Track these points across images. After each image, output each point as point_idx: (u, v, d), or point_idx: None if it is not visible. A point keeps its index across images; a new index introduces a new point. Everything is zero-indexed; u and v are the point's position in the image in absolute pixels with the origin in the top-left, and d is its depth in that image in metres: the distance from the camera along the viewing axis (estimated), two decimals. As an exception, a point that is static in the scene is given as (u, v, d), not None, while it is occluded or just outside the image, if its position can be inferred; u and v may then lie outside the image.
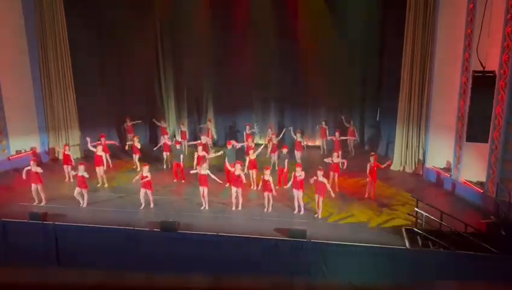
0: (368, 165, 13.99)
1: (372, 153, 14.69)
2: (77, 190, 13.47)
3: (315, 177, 12.53)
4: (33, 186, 13.49)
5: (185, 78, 20.61)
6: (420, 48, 15.71)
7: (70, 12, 17.88)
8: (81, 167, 13.48)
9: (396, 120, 17.01)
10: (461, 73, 14.15)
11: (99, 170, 15.20)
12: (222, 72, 19.92)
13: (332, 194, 12.68)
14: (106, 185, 15.36)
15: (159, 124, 19.77)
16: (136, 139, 16.77)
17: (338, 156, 14.54)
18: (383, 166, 14.18)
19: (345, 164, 14.69)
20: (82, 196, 13.55)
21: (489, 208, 12.81)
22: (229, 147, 15.16)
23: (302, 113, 20.31)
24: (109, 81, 20.08)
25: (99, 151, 15.25)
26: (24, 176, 13.59)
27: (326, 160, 14.61)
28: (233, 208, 13.29)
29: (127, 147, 18.04)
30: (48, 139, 18.51)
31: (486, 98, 10.06)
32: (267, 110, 20.59)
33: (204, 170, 13.17)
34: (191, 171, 14.08)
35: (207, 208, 13.37)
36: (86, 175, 13.47)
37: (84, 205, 13.56)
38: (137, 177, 13.57)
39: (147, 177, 13.21)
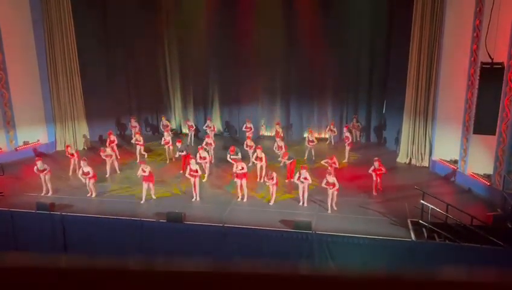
0: (372, 169, 13.64)
1: (376, 158, 13.86)
2: (86, 181, 13.54)
3: (325, 180, 12.37)
4: (41, 176, 13.56)
5: (191, 71, 20.51)
6: (428, 39, 15.53)
7: (76, 3, 17.90)
8: (84, 163, 13.53)
9: (403, 112, 16.89)
10: (469, 64, 13.97)
11: (109, 161, 15.32)
12: (228, 65, 19.79)
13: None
14: (119, 172, 15.55)
15: (166, 124, 19.55)
16: (137, 136, 17.07)
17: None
18: (385, 171, 13.73)
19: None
20: (92, 186, 13.62)
21: (495, 200, 12.74)
22: (232, 153, 14.91)
23: (308, 105, 20.19)
24: (115, 73, 20.12)
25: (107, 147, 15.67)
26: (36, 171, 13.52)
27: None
28: (239, 200, 13.31)
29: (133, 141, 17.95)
30: (55, 130, 18.57)
31: (494, 89, 10.01)
32: (273, 103, 20.47)
33: (193, 165, 13.29)
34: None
35: (198, 199, 13.36)
36: (91, 171, 13.47)
37: (93, 196, 13.61)
38: (140, 171, 13.43)
39: (145, 172, 13.14)
